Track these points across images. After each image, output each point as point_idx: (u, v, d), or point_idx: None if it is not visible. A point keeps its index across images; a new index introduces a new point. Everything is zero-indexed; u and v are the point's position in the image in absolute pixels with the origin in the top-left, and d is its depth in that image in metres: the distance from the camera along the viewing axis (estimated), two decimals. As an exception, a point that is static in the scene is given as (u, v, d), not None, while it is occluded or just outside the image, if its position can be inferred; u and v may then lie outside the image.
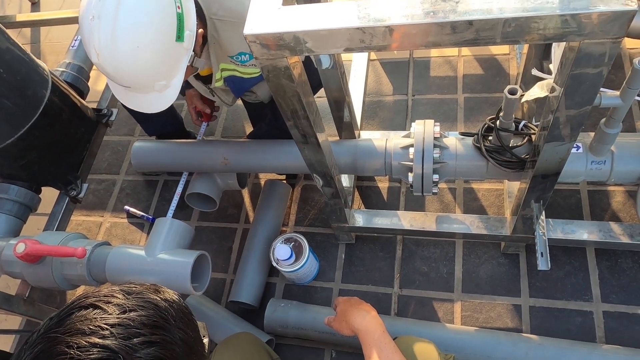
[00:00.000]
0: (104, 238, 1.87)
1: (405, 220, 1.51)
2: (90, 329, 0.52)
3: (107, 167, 2.06)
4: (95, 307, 0.54)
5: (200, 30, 1.19)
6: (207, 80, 1.45)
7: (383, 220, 1.53)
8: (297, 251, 1.49)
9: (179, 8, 1.09)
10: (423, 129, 1.32)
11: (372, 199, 1.74)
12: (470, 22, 0.71)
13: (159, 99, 1.19)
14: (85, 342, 0.50)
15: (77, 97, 1.61)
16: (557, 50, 1.14)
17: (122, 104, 1.29)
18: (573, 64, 0.79)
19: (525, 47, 1.44)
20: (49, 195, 1.64)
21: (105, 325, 0.52)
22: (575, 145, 1.27)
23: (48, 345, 0.51)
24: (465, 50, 1.98)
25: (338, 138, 1.59)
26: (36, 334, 0.53)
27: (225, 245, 1.77)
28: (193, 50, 1.16)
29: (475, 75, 1.92)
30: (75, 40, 1.80)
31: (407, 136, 1.38)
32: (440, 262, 1.58)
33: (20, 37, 2.59)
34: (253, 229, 1.68)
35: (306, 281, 1.61)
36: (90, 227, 1.92)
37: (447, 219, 1.49)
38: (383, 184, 1.76)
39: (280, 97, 0.95)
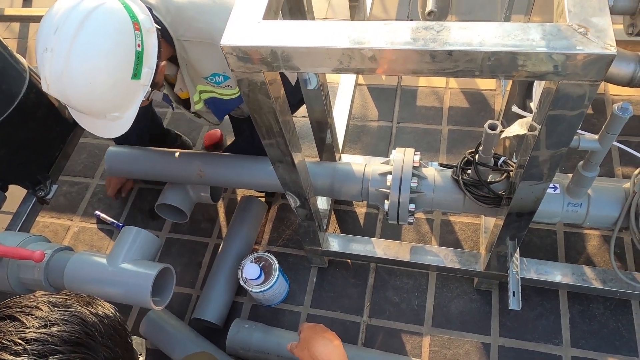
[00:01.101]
0: (70, 243, 1.81)
1: (380, 248, 1.49)
2: (2, 343, 0.48)
3: (82, 170, 2.01)
4: (14, 319, 0.51)
5: (163, 63, 1.17)
6: (188, 103, 1.42)
7: (357, 246, 1.50)
8: (266, 271, 1.45)
9: (139, 46, 1.06)
10: (403, 157, 1.30)
11: (348, 224, 1.71)
12: (449, 53, 0.70)
13: (112, 127, 1.16)
14: None
15: (55, 96, 1.57)
16: (538, 88, 1.14)
17: None
18: (551, 104, 0.78)
19: (509, 83, 1.44)
20: (17, 193, 1.59)
21: (19, 341, 0.48)
22: (552, 186, 1.26)
23: None
24: (453, 83, 1.99)
25: (318, 159, 1.57)
26: None
27: (195, 260, 1.72)
28: (151, 85, 1.14)
29: (460, 108, 1.92)
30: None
31: (387, 163, 1.37)
32: (412, 294, 1.55)
33: (7, 32, 2.55)
34: (224, 245, 1.64)
35: (274, 303, 1.56)
36: (58, 230, 1.86)
37: (421, 250, 1.47)
38: (361, 209, 1.74)
39: (255, 112, 0.92)
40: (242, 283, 1.44)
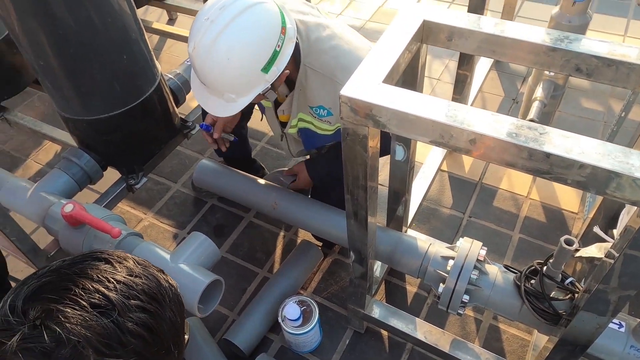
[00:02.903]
0: (137, 234, 1.93)
1: (421, 330, 1.47)
2: (98, 277, 0.56)
3: (169, 173, 2.17)
4: (108, 262, 0.59)
5: (287, 71, 1.30)
6: (283, 125, 1.54)
7: (399, 321, 1.49)
8: (306, 316, 1.47)
9: (278, 47, 1.21)
10: (469, 247, 1.31)
11: (396, 297, 1.70)
12: (547, 155, 0.74)
13: (222, 106, 1.29)
14: (91, 286, 0.54)
15: (173, 103, 1.76)
16: (625, 217, 1.13)
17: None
18: (636, 234, 0.78)
19: (594, 209, 1.43)
20: (110, 176, 1.75)
21: (112, 279, 0.56)
22: (618, 323, 1.21)
23: (57, 278, 0.55)
24: (535, 194, 1.98)
25: (385, 224, 1.61)
26: (47, 268, 0.57)
27: (241, 285, 1.77)
28: (271, 84, 1.27)
29: (536, 220, 1.90)
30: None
31: (452, 248, 1.38)
32: (440, 389, 1.49)
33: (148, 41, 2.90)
34: (273, 279, 1.68)
35: (303, 350, 1.57)
36: (131, 219, 2.00)
37: (463, 346, 1.43)
38: (411, 287, 1.73)
39: (349, 160, 1.00)
40: (279, 320, 1.47)
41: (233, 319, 1.67)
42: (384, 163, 1.63)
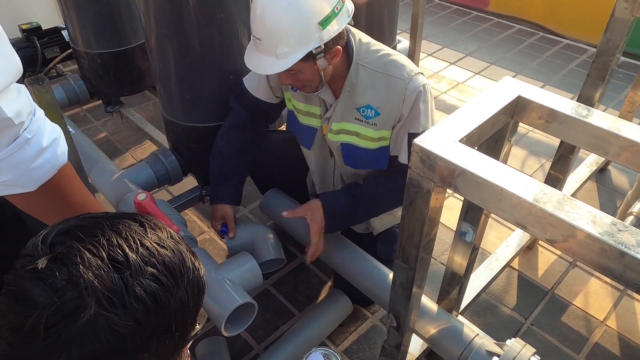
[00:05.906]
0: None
1: None
2: (126, 235, 0.56)
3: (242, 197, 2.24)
4: (142, 225, 0.60)
5: (330, 67, 1.29)
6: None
7: (424, 409, 1.36)
8: (327, 371, 1.40)
9: (337, 9, 1.21)
10: (520, 349, 1.19)
11: (427, 385, 1.57)
12: (622, 254, 0.67)
13: (272, 64, 1.25)
14: (116, 241, 0.55)
15: (263, 130, 1.85)
16: None
17: None
18: None
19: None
20: (187, 182, 1.85)
21: (138, 241, 0.56)
22: None
23: (91, 224, 0.57)
24: (612, 322, 1.77)
25: (436, 302, 1.51)
26: (89, 214, 0.60)
27: (275, 322, 1.74)
28: (324, 55, 1.25)
29: (609, 351, 1.68)
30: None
31: (500, 346, 1.26)
32: None
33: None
34: (299, 324, 1.65)
35: (316, 407, 1.48)
36: (194, 228, 2.08)
37: None
38: (447, 380, 1.58)
39: (407, 212, 0.96)
40: (301, 366, 1.41)
41: (258, 352, 1.63)
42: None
